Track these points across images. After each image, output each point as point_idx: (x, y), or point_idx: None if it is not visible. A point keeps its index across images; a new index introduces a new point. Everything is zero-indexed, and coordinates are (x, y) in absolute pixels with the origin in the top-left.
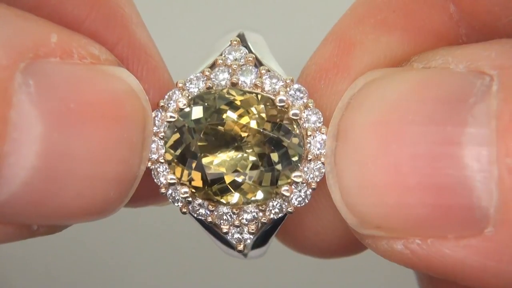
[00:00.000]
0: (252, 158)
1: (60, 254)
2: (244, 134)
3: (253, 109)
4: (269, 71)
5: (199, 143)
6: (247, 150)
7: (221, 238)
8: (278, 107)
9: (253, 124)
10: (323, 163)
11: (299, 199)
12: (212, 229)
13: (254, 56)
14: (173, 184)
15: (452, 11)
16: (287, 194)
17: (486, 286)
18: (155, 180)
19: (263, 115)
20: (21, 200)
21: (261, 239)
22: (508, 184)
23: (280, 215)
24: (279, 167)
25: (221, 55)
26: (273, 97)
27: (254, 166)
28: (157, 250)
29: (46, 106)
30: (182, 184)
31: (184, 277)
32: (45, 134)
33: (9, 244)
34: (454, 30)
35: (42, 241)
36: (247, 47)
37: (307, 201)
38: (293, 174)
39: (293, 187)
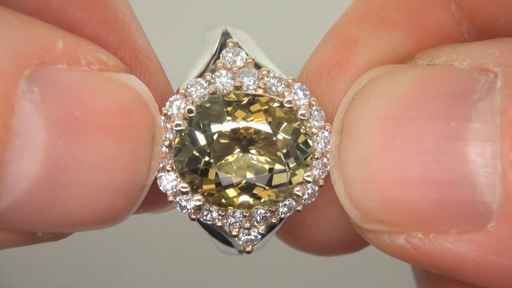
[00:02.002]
0: (260, 160)
1: (60, 256)
2: (251, 137)
3: (258, 111)
4: (270, 72)
5: (206, 149)
6: (255, 153)
7: (219, 236)
8: (286, 108)
9: (259, 126)
10: (328, 160)
11: (305, 196)
12: (212, 229)
13: (253, 57)
14: (185, 192)
15: (454, 10)
16: (300, 194)
17: (487, 281)
18: (161, 188)
19: (270, 116)
20: (23, 208)
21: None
22: (511, 179)
23: (288, 214)
24: (288, 167)
25: (215, 55)
26: (278, 98)
27: (263, 168)
28: (156, 252)
29: (50, 113)
30: (194, 192)
31: (184, 279)
32: (49, 142)
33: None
34: (456, 28)
35: (42, 244)
36: (240, 47)
37: (313, 198)
38: (305, 174)
39: (304, 186)
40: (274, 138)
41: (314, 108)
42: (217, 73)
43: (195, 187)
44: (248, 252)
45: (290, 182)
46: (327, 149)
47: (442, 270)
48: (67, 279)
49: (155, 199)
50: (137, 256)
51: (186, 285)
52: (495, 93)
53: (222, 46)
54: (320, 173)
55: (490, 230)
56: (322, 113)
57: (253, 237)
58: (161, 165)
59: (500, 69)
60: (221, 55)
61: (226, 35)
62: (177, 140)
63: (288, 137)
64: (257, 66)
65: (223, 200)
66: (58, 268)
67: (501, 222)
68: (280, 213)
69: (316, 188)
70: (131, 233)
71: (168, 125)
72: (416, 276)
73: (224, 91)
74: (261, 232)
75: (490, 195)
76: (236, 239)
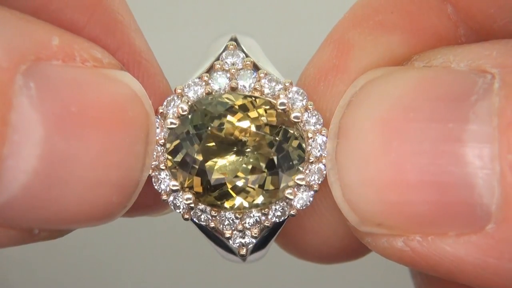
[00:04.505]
0: (253, 162)
1: (60, 256)
2: (244, 139)
3: (253, 113)
4: (267, 74)
5: (200, 149)
6: (248, 154)
7: (221, 243)
8: (279, 110)
9: (253, 128)
10: (324, 165)
11: (301, 201)
12: (212, 234)
13: (251, 60)
14: (176, 190)
15: (450, 12)
16: (291, 197)
17: (486, 283)
18: (156, 187)
19: (263, 118)
20: (20, 203)
21: (261, 243)
22: (509, 181)
23: (282, 218)
24: (280, 170)
25: (218, 59)
26: (273, 100)
27: (255, 170)
28: (156, 253)
29: (47, 109)
30: (185, 191)
31: (183, 280)
32: (45, 137)
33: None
34: (453, 31)
35: (42, 244)
36: (242, 51)
37: (308, 203)
38: (297, 177)
39: (295, 189)
40: (268, 141)
41: (311, 112)
42: (214, 74)
43: (187, 186)
44: (242, 256)
45: (280, 185)
46: (323, 154)
47: (440, 272)
48: (67, 279)
49: (153, 201)
50: (137, 256)
51: (185, 285)
52: (493, 94)
53: (225, 50)
54: (316, 178)
55: (488, 232)
56: (319, 118)
57: (247, 240)
58: (155, 164)
59: (498, 70)
60: (220, 57)
61: (233, 40)
62: (171, 139)
63: (282, 140)
64: (256, 69)
65: (215, 201)
66: (58, 268)
67: (500, 223)
68: (273, 216)
69: (311, 193)
70: (131, 234)
71: (164, 124)
72: (416, 283)
73: (220, 92)
74: (254, 235)
75: (489, 197)
76: (230, 241)
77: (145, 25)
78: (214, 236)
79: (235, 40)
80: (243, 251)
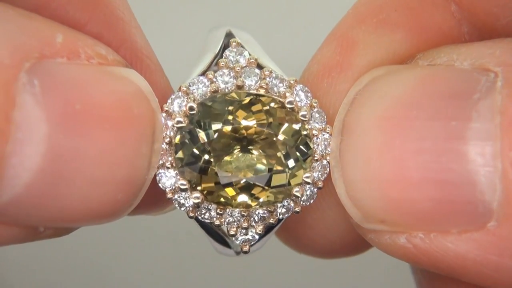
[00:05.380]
0: (261, 160)
1: (61, 256)
2: (252, 137)
3: (258, 111)
4: (272, 72)
5: (206, 147)
6: (255, 152)
7: (220, 239)
8: (287, 109)
9: (260, 126)
10: (328, 162)
11: (304, 198)
12: (213, 231)
13: (255, 58)
14: (184, 190)
15: (454, 10)
16: (299, 195)
17: (487, 280)
18: (160, 185)
19: (270, 117)
20: (24, 201)
21: (259, 236)
22: (511, 178)
23: (286, 215)
24: (287, 168)
25: (218, 55)
26: (279, 99)
27: (263, 168)
28: (157, 253)
29: (51, 106)
30: (193, 189)
31: (182, 279)
32: (49, 135)
33: (10, 245)
34: (456, 29)
35: (42, 243)
36: (244, 48)
37: (312, 200)
38: (304, 175)
39: (302, 187)
40: (274, 139)
41: (315, 110)
42: (219, 72)
43: (194, 185)
44: (245, 252)
45: (289, 183)
46: (327, 151)
47: (442, 269)
48: (67, 279)
49: (153, 200)
50: (138, 256)
51: (185, 285)
52: (495, 92)
53: (225, 46)
54: (320, 175)
55: (490, 229)
56: (323, 115)
57: (250, 237)
58: (160, 162)
59: (501, 69)
60: (224, 55)
61: (229, 35)
62: (177, 137)
63: (289, 138)
64: (260, 67)
65: (221, 199)
66: (58, 268)
67: (501, 221)
68: (278, 214)
69: (315, 190)
70: (131, 233)
71: (169, 122)
72: (417, 279)
73: (226, 90)
74: (259, 232)
75: (490, 194)
76: (233, 238)
77: (144, 24)
78: (215, 233)
79: (230, 34)
80: (246, 248)
